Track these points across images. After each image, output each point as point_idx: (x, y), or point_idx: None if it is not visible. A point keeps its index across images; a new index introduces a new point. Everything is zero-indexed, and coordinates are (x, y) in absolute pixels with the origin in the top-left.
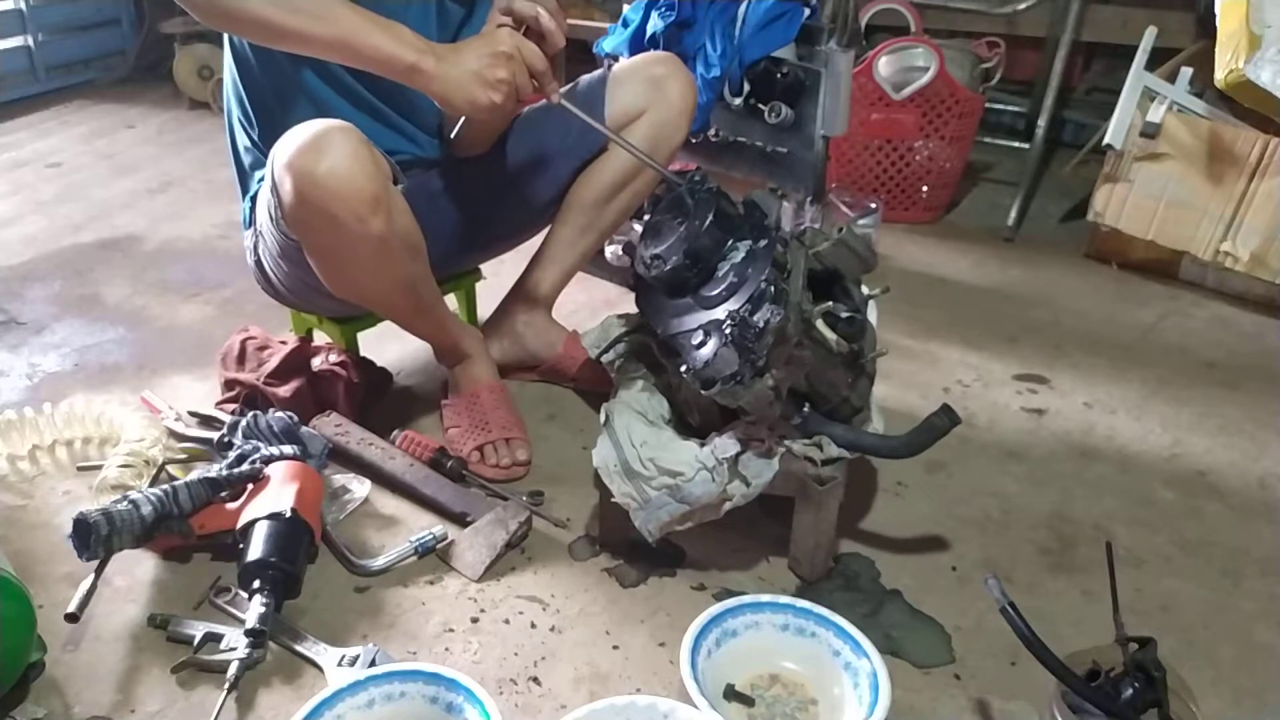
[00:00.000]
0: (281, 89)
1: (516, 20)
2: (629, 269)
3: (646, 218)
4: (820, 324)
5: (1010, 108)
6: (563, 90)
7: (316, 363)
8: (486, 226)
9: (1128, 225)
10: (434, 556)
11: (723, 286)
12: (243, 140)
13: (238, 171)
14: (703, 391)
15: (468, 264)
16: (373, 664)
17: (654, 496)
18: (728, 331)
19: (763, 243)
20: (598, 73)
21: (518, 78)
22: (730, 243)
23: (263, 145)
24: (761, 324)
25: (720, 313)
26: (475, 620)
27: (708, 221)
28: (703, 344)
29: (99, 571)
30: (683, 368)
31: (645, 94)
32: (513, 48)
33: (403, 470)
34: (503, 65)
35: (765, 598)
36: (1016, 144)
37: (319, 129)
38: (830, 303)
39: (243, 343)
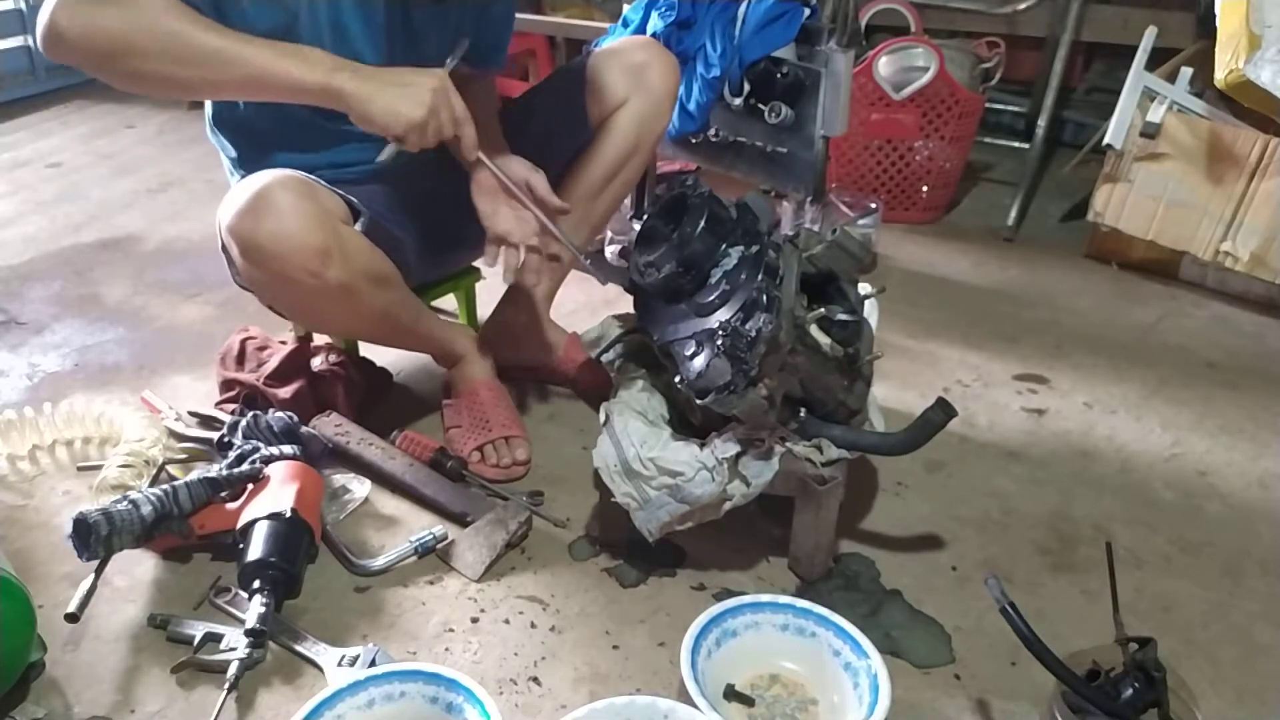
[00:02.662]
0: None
1: (512, 180)
2: (627, 270)
3: (644, 219)
4: (814, 329)
5: (1010, 108)
6: (544, 80)
7: (316, 363)
8: (478, 225)
9: (1128, 225)
10: (434, 556)
11: (715, 294)
12: (227, 155)
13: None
14: (697, 401)
15: (462, 262)
16: (373, 664)
17: (654, 496)
18: (720, 342)
19: (755, 248)
20: (576, 60)
21: (442, 112)
22: (723, 248)
23: (245, 168)
24: (754, 333)
25: (713, 321)
26: (475, 620)
27: (699, 228)
28: (696, 354)
29: (99, 571)
30: (677, 378)
31: (627, 82)
32: (443, 83)
33: (403, 470)
34: (429, 93)
35: (765, 598)
36: (1016, 144)
37: (257, 188)
38: (824, 307)
39: (242, 343)
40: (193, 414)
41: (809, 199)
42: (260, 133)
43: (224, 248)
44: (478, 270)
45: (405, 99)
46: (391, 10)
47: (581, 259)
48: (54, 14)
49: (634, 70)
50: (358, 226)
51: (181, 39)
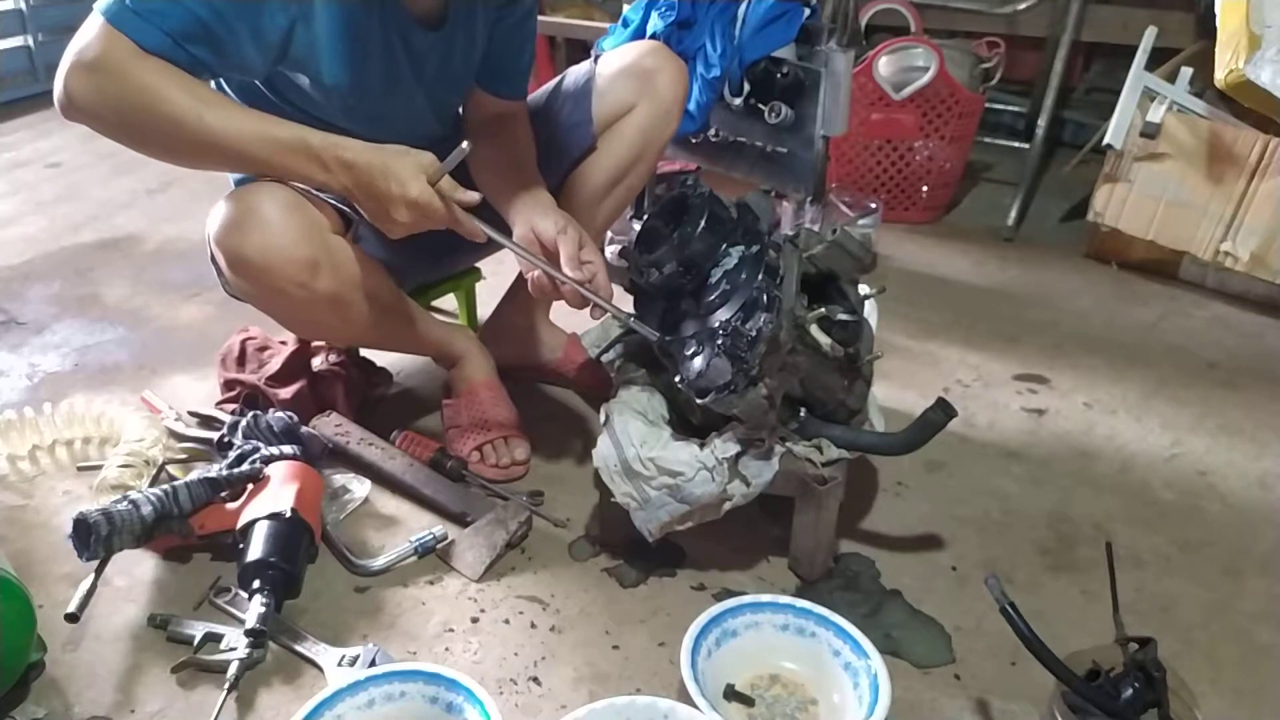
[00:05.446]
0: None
1: (540, 240)
2: (627, 270)
3: (644, 219)
4: (814, 329)
5: (1010, 108)
6: (548, 86)
7: (316, 363)
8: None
9: (1128, 225)
10: (434, 556)
11: (716, 294)
12: None
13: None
14: (697, 401)
15: (461, 265)
16: (373, 664)
17: (654, 496)
18: (720, 341)
19: (755, 248)
20: (584, 66)
21: (427, 217)
22: (723, 248)
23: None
24: (754, 333)
25: (713, 321)
26: (475, 620)
27: (699, 228)
28: (696, 354)
29: (99, 571)
30: (677, 378)
31: (635, 88)
32: (421, 192)
33: (403, 470)
34: (403, 208)
35: (765, 598)
36: (1016, 144)
37: (243, 201)
38: (824, 307)
39: (243, 343)
40: (193, 414)
41: (809, 199)
42: None
43: (213, 259)
44: (478, 270)
45: (380, 220)
46: (388, 36)
47: (624, 319)
48: (65, 79)
49: (643, 76)
50: (349, 235)
51: (169, 120)
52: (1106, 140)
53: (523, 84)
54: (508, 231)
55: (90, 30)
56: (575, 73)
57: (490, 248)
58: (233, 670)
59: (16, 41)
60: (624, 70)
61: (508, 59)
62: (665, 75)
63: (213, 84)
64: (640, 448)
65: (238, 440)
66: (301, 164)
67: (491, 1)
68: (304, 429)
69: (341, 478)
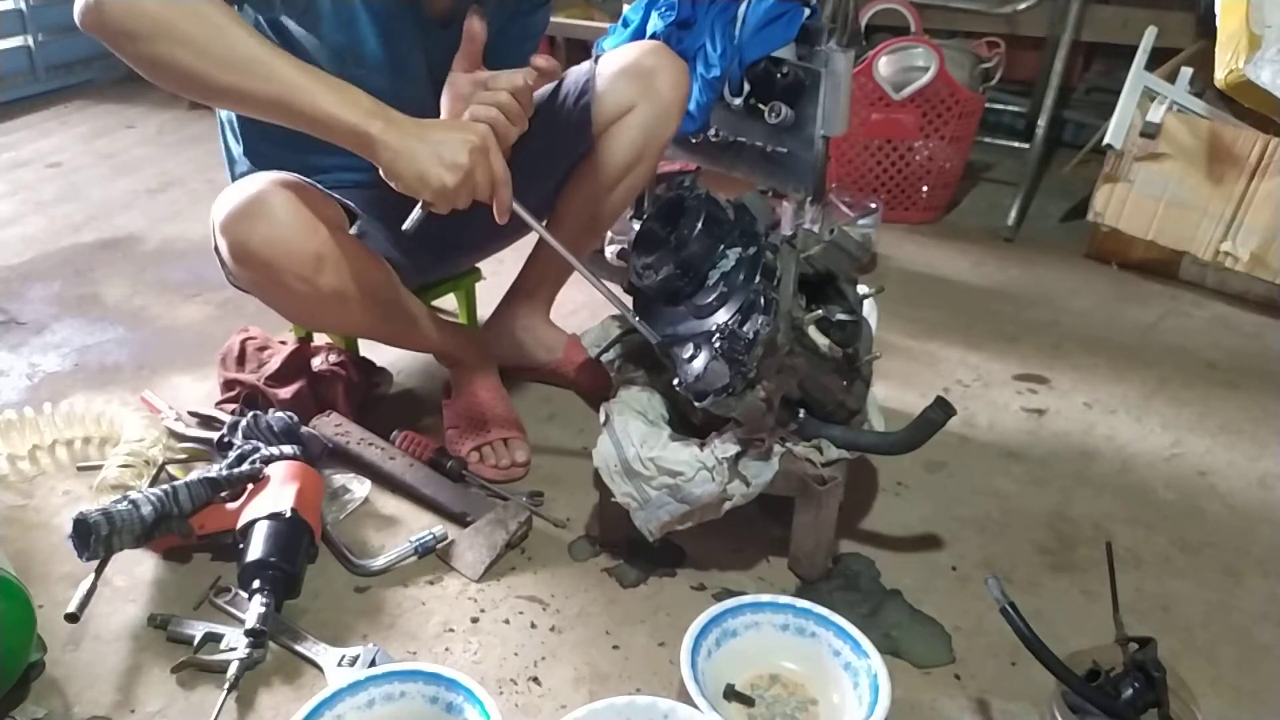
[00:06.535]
0: None
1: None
2: (627, 271)
3: (642, 221)
4: (812, 330)
5: (1010, 108)
6: (548, 86)
7: (316, 363)
8: (479, 229)
9: (1128, 225)
10: (434, 556)
11: (713, 296)
12: (235, 149)
13: (232, 179)
14: (696, 404)
15: (462, 266)
16: (373, 664)
17: (654, 496)
18: (717, 344)
19: (752, 249)
20: (584, 67)
21: (478, 173)
22: (721, 250)
23: (250, 159)
24: (751, 335)
25: (710, 324)
26: (475, 620)
27: (696, 230)
28: (694, 357)
29: (99, 571)
30: (675, 380)
31: (635, 88)
32: (484, 141)
33: (403, 470)
34: (466, 153)
35: (765, 598)
36: (1016, 144)
37: (251, 191)
38: (823, 308)
39: (243, 343)
40: (193, 414)
41: (809, 199)
42: (270, 131)
43: (216, 248)
44: (478, 270)
45: (437, 160)
46: (408, 26)
47: (633, 318)
48: None
49: (643, 76)
50: (353, 230)
51: (224, 35)
52: (1106, 140)
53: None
54: (538, 217)
55: None
56: (575, 73)
57: (492, 247)
58: (233, 670)
59: (16, 41)
60: (624, 70)
61: (514, 57)
62: (666, 75)
63: None
64: (640, 448)
65: (238, 440)
66: (339, 101)
67: (505, 6)
68: (304, 429)
69: (341, 478)
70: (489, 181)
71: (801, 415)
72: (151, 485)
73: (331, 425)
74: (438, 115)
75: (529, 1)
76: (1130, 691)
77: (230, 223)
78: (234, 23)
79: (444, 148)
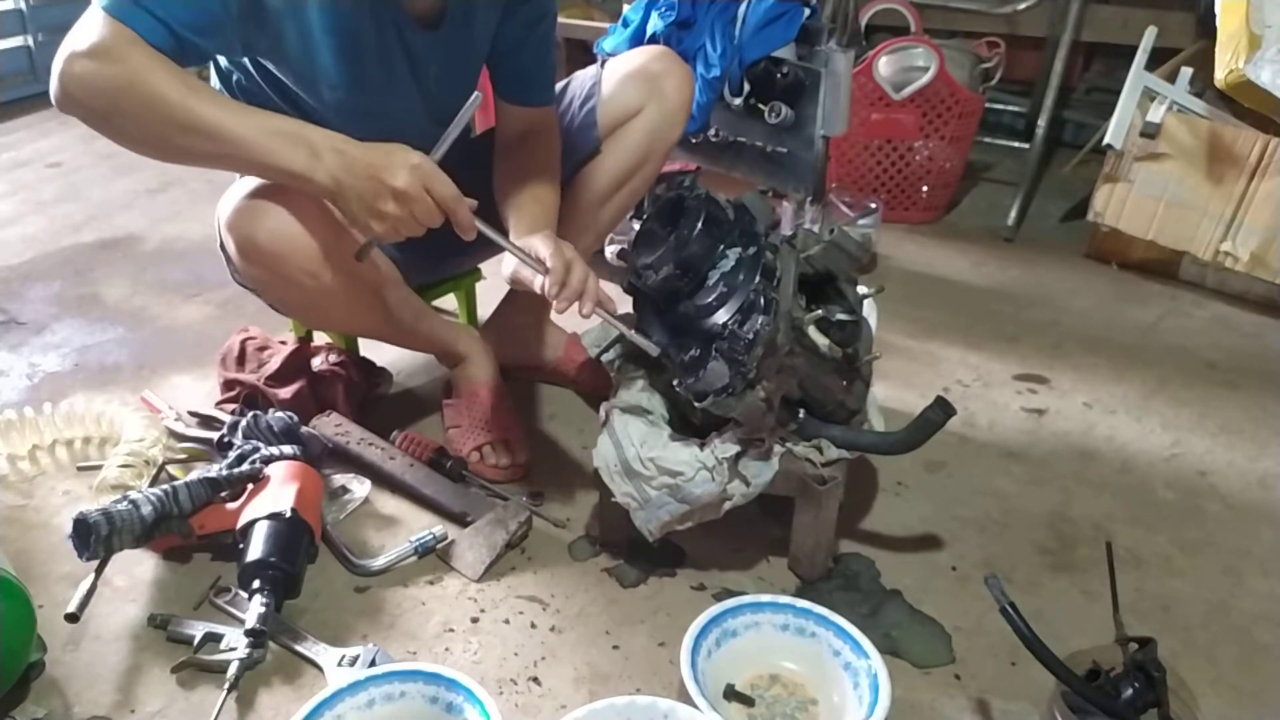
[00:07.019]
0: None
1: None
2: (627, 271)
3: (642, 221)
4: (812, 330)
5: (1010, 108)
6: (556, 89)
7: (316, 363)
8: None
9: (1128, 225)
10: (434, 556)
11: (713, 296)
12: None
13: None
14: (695, 404)
15: (464, 266)
16: (373, 664)
17: (654, 496)
18: (717, 344)
19: (752, 250)
20: (590, 71)
21: (416, 212)
22: (721, 250)
23: None
24: (751, 335)
25: (710, 324)
26: (475, 620)
27: (696, 230)
28: (693, 357)
29: (99, 571)
30: (675, 381)
31: (642, 92)
32: (410, 183)
33: (403, 470)
34: (390, 200)
35: (765, 598)
36: (1016, 144)
37: (259, 187)
38: (822, 308)
39: (243, 343)
40: (193, 414)
41: (809, 199)
42: None
43: (222, 245)
44: (478, 270)
45: (366, 213)
46: (383, 32)
47: (628, 333)
48: (61, 66)
49: (650, 79)
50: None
51: (170, 103)
52: (1106, 140)
53: (547, 90)
54: (504, 232)
55: (88, 20)
56: (581, 77)
57: (492, 249)
58: (233, 670)
59: (16, 41)
60: (631, 74)
61: (528, 64)
62: (672, 79)
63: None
64: (640, 448)
65: (238, 440)
66: (290, 148)
67: (515, 18)
68: (304, 429)
69: (341, 478)
70: (428, 211)
71: (801, 415)
72: (151, 485)
73: (331, 425)
74: (428, 121)
75: (535, 10)
76: (1130, 691)
77: (237, 218)
78: (180, 87)
79: (370, 198)
